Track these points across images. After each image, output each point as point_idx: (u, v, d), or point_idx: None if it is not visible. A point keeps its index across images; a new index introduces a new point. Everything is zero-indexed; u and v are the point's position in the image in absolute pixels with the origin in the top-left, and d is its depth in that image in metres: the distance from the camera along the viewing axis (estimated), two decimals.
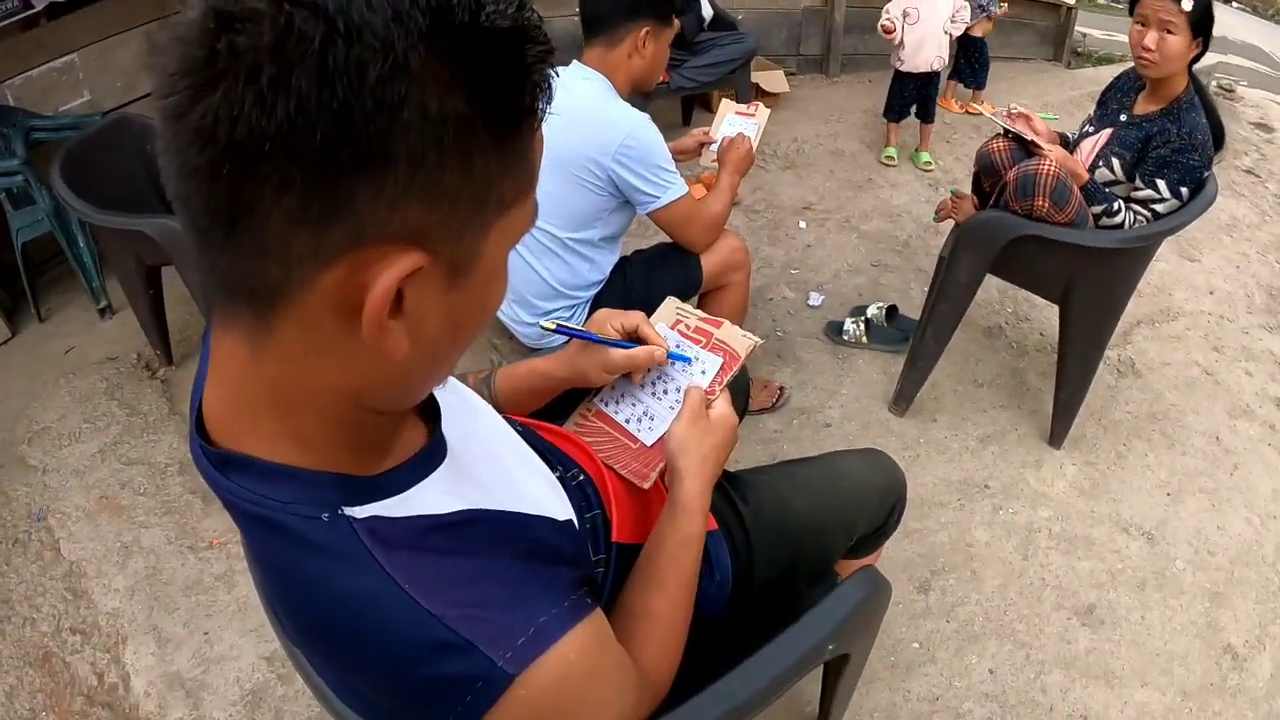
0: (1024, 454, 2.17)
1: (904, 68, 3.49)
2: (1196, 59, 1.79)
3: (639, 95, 1.85)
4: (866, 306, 2.55)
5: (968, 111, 4.07)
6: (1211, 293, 2.98)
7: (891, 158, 3.66)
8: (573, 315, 1.86)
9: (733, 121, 2.04)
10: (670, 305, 1.07)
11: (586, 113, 1.68)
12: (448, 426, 0.64)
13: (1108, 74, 2.17)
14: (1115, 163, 1.89)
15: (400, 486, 0.57)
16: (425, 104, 0.41)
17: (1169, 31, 1.72)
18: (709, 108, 3.83)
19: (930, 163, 3.64)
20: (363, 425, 0.55)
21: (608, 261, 1.89)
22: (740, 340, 1.01)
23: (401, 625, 0.52)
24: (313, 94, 0.38)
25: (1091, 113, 2.06)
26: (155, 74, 0.41)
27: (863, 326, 2.49)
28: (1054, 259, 1.89)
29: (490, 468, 0.67)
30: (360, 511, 0.53)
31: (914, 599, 1.79)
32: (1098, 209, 1.84)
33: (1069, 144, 2.06)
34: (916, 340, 2.17)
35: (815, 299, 2.71)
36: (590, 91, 1.72)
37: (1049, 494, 2.07)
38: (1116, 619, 1.78)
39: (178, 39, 0.40)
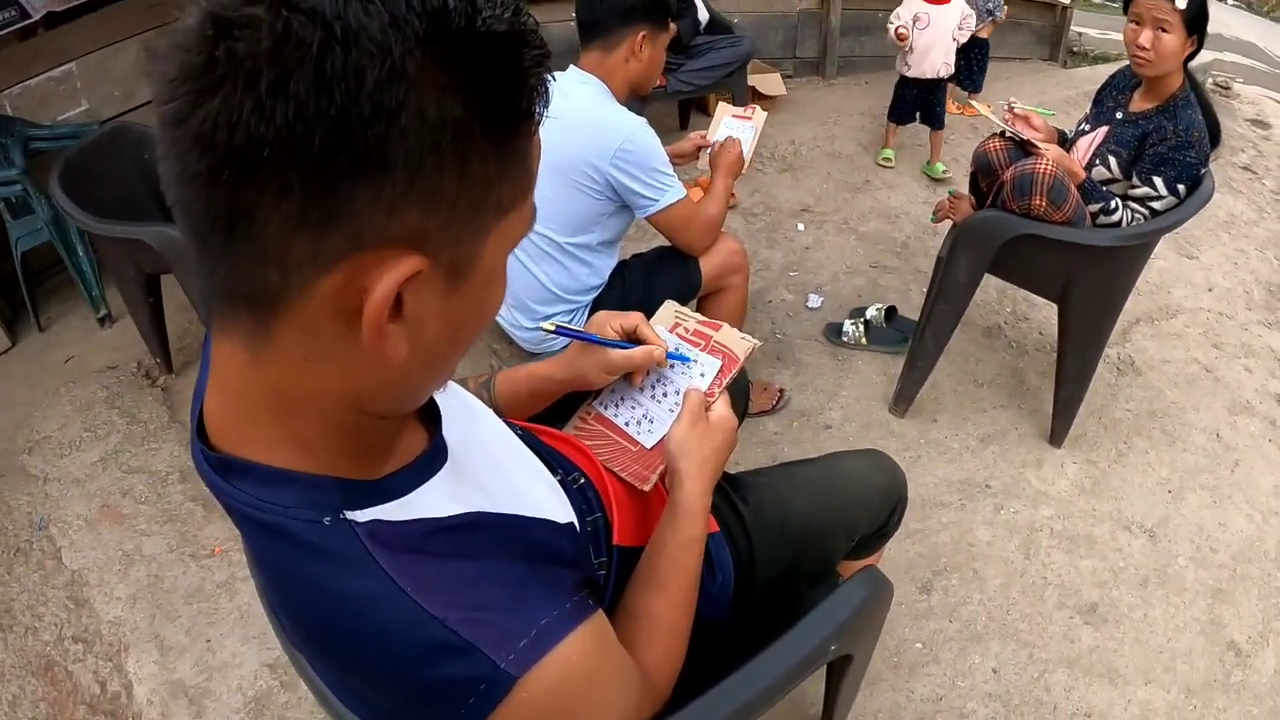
0: (1025, 453, 2.18)
1: (910, 73, 3.46)
2: (1192, 56, 1.79)
3: (636, 99, 1.86)
4: (865, 308, 2.55)
5: (964, 113, 4.07)
6: (1210, 289, 2.99)
7: (889, 159, 3.65)
8: (572, 320, 1.87)
9: (730, 124, 2.04)
10: (669, 309, 1.08)
11: (584, 117, 1.69)
12: (448, 430, 0.64)
13: (1104, 73, 2.18)
14: (1112, 161, 1.89)
15: (401, 490, 0.57)
16: (423, 109, 0.42)
17: (1164, 30, 1.73)
18: (706, 111, 3.84)
19: (947, 171, 3.60)
20: (363, 429, 0.55)
21: (606, 266, 1.89)
22: (739, 343, 1.01)
23: (404, 628, 0.52)
24: (311, 99, 0.39)
25: (1088, 111, 2.07)
26: (155, 80, 0.41)
27: (862, 328, 2.50)
28: (1052, 258, 1.89)
29: (491, 471, 0.67)
30: (361, 515, 0.54)
31: (916, 599, 1.79)
32: (1095, 207, 1.84)
33: (1067, 142, 2.06)
34: (916, 341, 2.17)
35: (814, 301, 2.72)
36: (587, 96, 1.72)
37: (1050, 493, 2.07)
38: (1119, 617, 1.78)
39: (177, 45, 0.40)
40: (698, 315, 1.05)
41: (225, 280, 0.46)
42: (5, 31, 2.36)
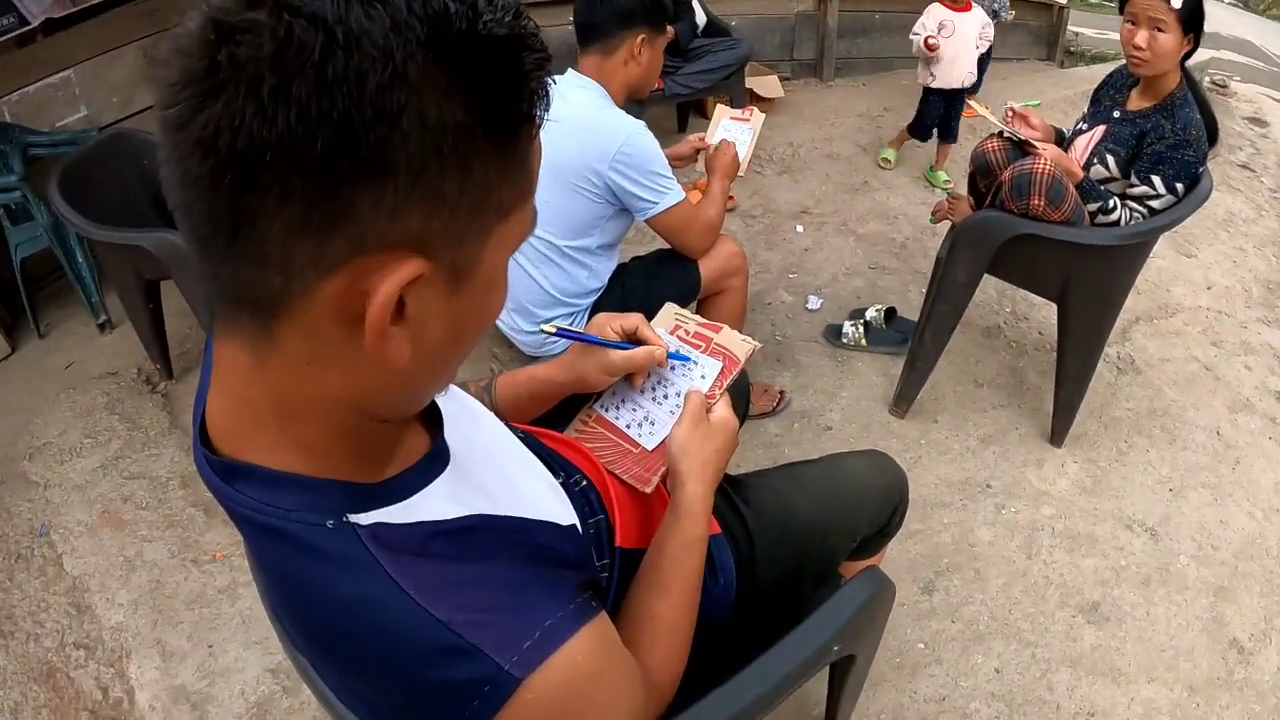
0: (1025, 453, 2.18)
1: (937, 84, 3.38)
2: (1188, 55, 1.79)
3: (634, 102, 1.86)
4: (865, 309, 2.55)
5: (963, 114, 4.07)
6: (1209, 288, 2.99)
7: (888, 160, 3.64)
8: (572, 323, 1.87)
9: (728, 127, 2.04)
10: (669, 311, 1.08)
11: (583, 121, 1.69)
12: (450, 433, 0.64)
13: (1101, 73, 2.18)
14: (1110, 159, 1.90)
15: (403, 493, 0.57)
16: (424, 112, 0.42)
17: (1159, 30, 1.73)
18: (704, 114, 3.84)
19: (950, 181, 3.58)
20: (365, 433, 0.55)
21: (606, 269, 1.89)
22: (739, 344, 1.01)
23: (407, 630, 0.52)
24: (313, 104, 0.39)
25: (1085, 110, 2.07)
26: (157, 85, 0.42)
27: (862, 329, 2.50)
28: (1051, 257, 1.89)
29: (493, 474, 0.67)
30: (364, 518, 0.54)
31: (918, 600, 1.79)
32: (1093, 206, 1.84)
33: (1064, 141, 2.07)
34: (915, 342, 2.17)
35: (813, 303, 2.72)
36: (586, 100, 1.72)
37: (1051, 492, 2.07)
38: (1121, 615, 1.78)
39: (179, 50, 0.41)
40: (697, 317, 1.05)
41: (227, 284, 0.46)
42: (4, 38, 2.36)
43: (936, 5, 3.34)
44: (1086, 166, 1.92)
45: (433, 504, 0.58)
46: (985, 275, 2.00)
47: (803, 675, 0.92)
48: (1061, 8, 5.64)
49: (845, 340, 2.51)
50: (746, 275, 2.00)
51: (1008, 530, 1.96)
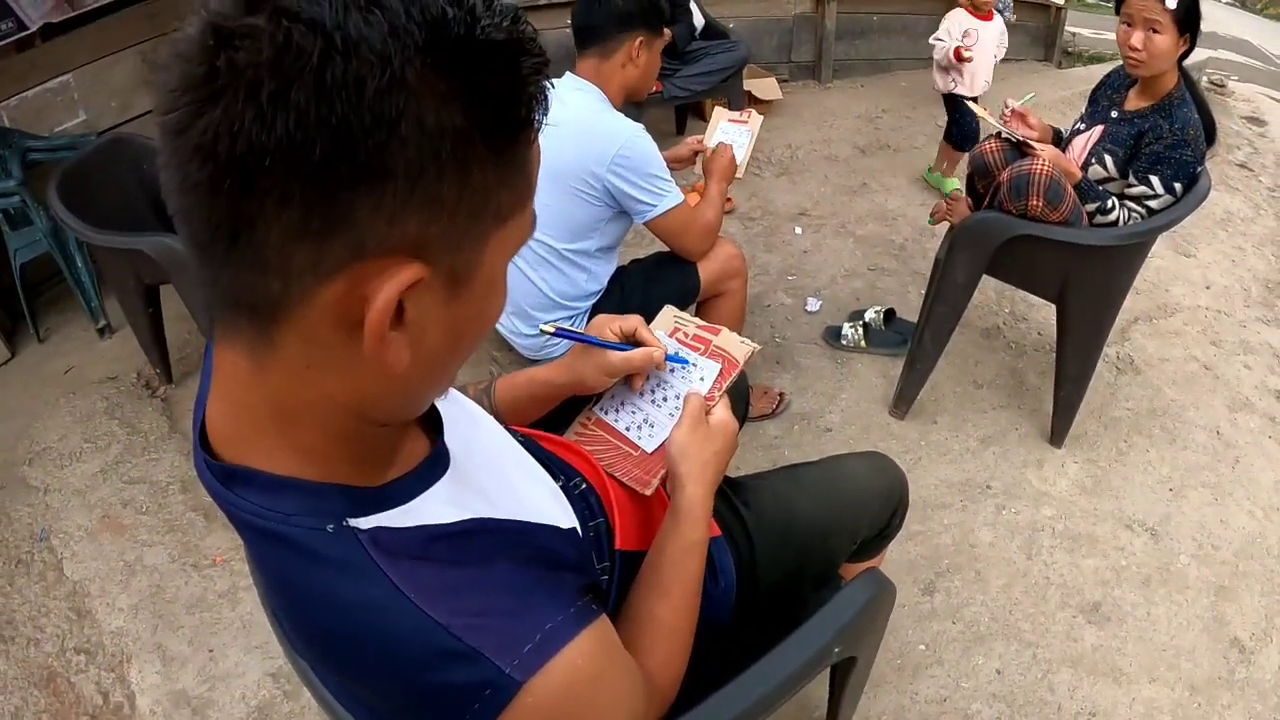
0: (1025, 453, 2.18)
1: (963, 90, 3.31)
2: (1185, 55, 1.80)
3: (632, 105, 1.86)
4: (864, 310, 2.55)
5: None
6: (1208, 287, 2.99)
7: (959, 190, 3.42)
8: (571, 326, 1.87)
9: (726, 129, 2.05)
10: (668, 313, 1.08)
11: (581, 124, 1.69)
12: (449, 437, 0.64)
13: (1099, 73, 2.18)
14: (1108, 159, 1.90)
15: (403, 497, 0.57)
16: (423, 117, 0.42)
17: (1155, 30, 1.73)
18: (702, 116, 3.85)
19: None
20: (365, 437, 0.55)
21: (605, 272, 1.89)
22: (739, 347, 1.01)
23: (408, 634, 0.52)
24: (311, 109, 0.39)
25: (1083, 110, 2.08)
26: (156, 90, 0.42)
27: (861, 331, 2.50)
28: (1050, 258, 1.89)
29: (493, 477, 0.67)
30: (364, 522, 0.54)
31: (919, 601, 1.79)
32: (1092, 207, 1.84)
33: (1062, 141, 2.07)
34: (915, 343, 2.18)
35: (813, 304, 2.72)
36: (584, 103, 1.73)
37: (1051, 493, 2.07)
38: (1122, 615, 1.78)
39: (178, 55, 0.41)
40: (697, 320, 1.06)
41: (227, 289, 0.46)
42: (2, 43, 2.36)
43: (960, 12, 3.31)
44: (1084, 167, 1.92)
45: (433, 507, 0.58)
46: (984, 276, 2.00)
47: (804, 677, 0.92)
48: (1059, 8, 5.64)
49: (844, 342, 2.51)
50: (745, 277, 2.00)
51: (1008, 531, 1.96)
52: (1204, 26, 1.78)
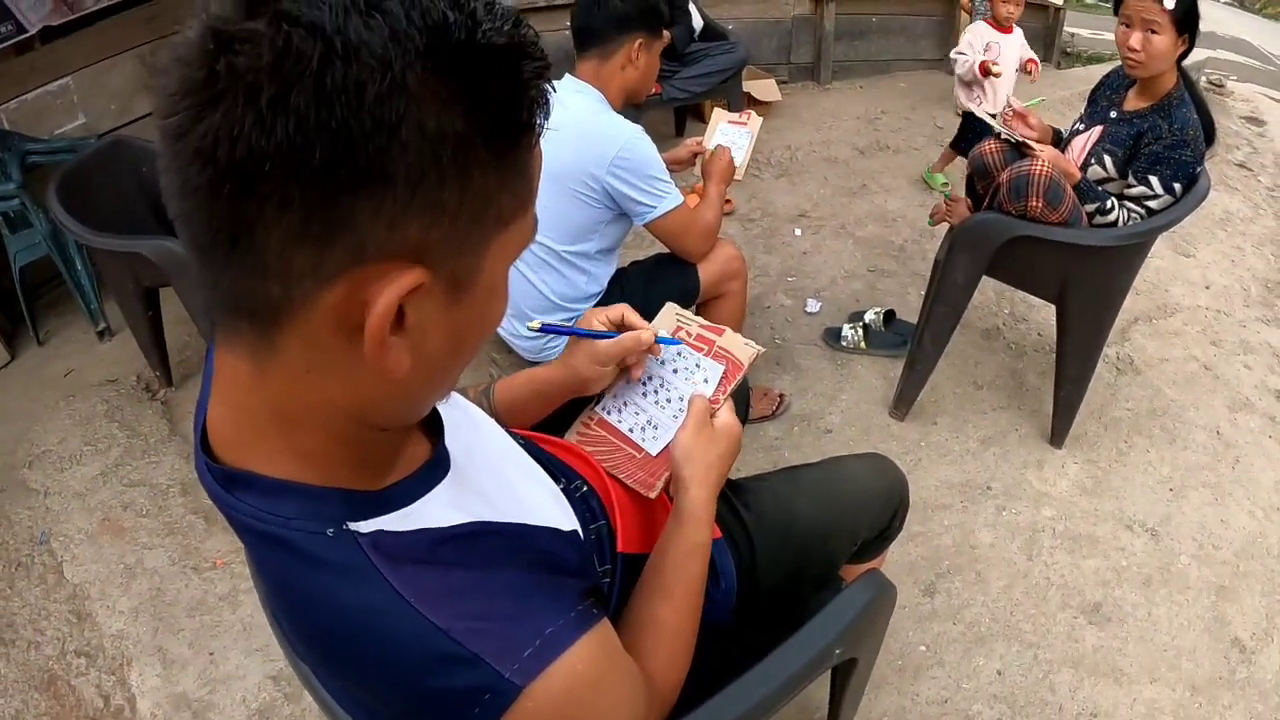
0: (1025, 454, 2.18)
1: (990, 107, 3.18)
2: (1184, 55, 1.80)
3: (631, 107, 1.86)
4: (864, 312, 2.55)
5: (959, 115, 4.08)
6: (1208, 287, 2.99)
7: (947, 186, 3.46)
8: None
9: (725, 131, 2.05)
10: (670, 312, 1.07)
11: (581, 126, 1.69)
12: (450, 440, 0.64)
13: (1098, 73, 2.18)
14: (1107, 160, 1.90)
15: (404, 501, 0.57)
16: (423, 122, 0.42)
17: (1153, 31, 1.73)
18: (702, 118, 3.84)
19: (948, 184, 3.51)
20: (365, 441, 0.55)
21: (605, 273, 1.89)
22: (743, 348, 1.01)
23: (408, 638, 0.52)
24: (311, 113, 0.39)
25: (1083, 111, 2.08)
26: (156, 94, 0.42)
27: (861, 332, 2.50)
28: (1049, 259, 1.89)
29: (493, 480, 0.67)
30: (365, 526, 0.54)
31: (920, 602, 1.79)
32: (1091, 207, 1.84)
33: (1062, 141, 2.07)
34: (915, 344, 2.18)
35: (813, 306, 2.72)
36: (583, 105, 1.73)
37: (1051, 493, 2.07)
38: (1123, 616, 1.77)
39: (178, 59, 0.41)
40: (700, 319, 1.05)
41: (227, 293, 0.46)
42: (2, 46, 2.37)
43: (982, 25, 3.28)
44: (1084, 167, 1.92)
45: (433, 511, 0.58)
46: (984, 277, 2.00)
47: (804, 679, 0.92)
48: (1058, 9, 5.64)
49: (844, 343, 2.51)
50: (745, 279, 2.00)
51: (1008, 532, 1.96)
52: (1203, 26, 1.78)
